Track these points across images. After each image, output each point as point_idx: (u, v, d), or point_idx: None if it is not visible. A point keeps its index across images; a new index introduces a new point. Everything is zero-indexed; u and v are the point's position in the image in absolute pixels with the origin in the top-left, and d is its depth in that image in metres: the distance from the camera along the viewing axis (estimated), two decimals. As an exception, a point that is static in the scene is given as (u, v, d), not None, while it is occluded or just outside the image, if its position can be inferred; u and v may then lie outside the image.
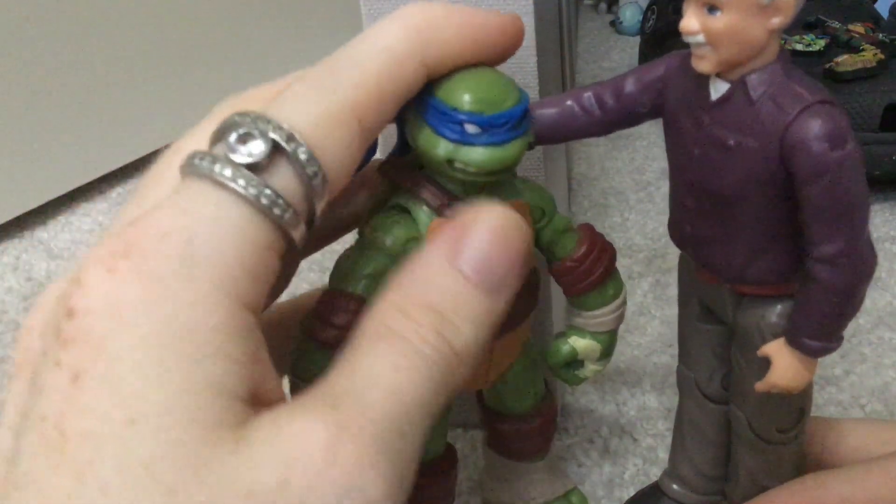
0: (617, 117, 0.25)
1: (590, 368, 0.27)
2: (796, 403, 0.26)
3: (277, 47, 0.68)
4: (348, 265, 0.22)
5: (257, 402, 0.17)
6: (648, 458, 0.35)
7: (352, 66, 0.19)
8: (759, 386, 0.24)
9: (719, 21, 0.20)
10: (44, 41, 0.55)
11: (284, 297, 0.26)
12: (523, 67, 0.29)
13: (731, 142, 0.22)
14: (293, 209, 0.18)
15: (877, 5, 0.66)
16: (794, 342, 0.23)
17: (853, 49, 0.54)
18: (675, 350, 0.29)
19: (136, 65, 0.60)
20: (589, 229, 0.25)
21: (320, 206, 0.19)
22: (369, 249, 0.22)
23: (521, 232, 0.20)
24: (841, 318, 0.22)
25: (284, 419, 0.16)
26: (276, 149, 0.18)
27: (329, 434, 0.16)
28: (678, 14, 0.21)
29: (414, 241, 0.22)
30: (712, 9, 0.20)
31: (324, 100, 0.19)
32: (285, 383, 0.21)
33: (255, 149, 0.17)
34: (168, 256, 0.16)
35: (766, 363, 0.24)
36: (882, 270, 0.46)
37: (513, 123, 0.21)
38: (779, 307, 0.24)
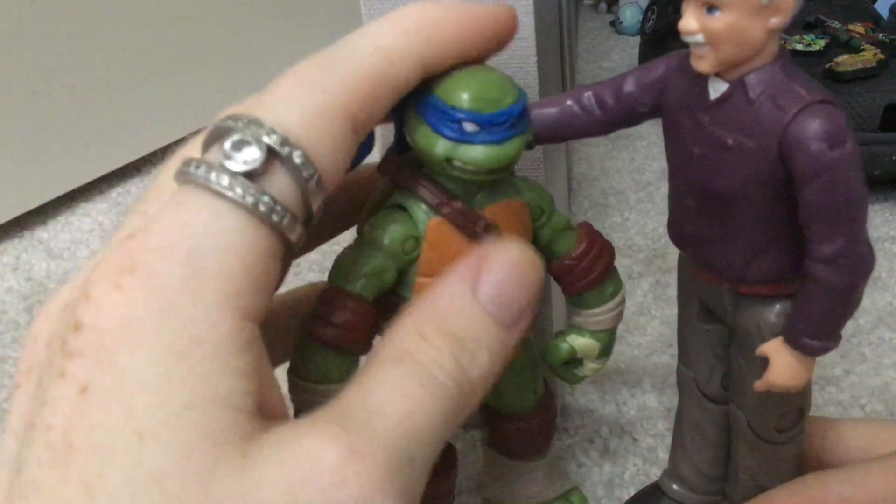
0: (617, 117, 0.25)
1: (589, 367, 0.27)
2: (795, 403, 0.26)
3: (277, 47, 0.68)
4: (347, 263, 0.22)
5: (262, 414, 0.17)
6: (648, 458, 0.35)
7: (345, 65, 0.19)
8: (758, 385, 0.24)
9: (718, 21, 0.20)
10: (44, 41, 0.55)
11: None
12: (523, 67, 0.29)
13: (731, 141, 0.22)
14: (291, 213, 0.18)
15: (877, 5, 0.66)
16: (793, 341, 0.23)
17: (853, 49, 0.54)
18: (675, 350, 0.29)
19: (136, 65, 0.60)
20: (587, 228, 0.25)
21: (316, 206, 0.19)
22: (368, 248, 0.22)
23: (538, 270, 0.21)
24: (839, 318, 0.22)
25: (293, 437, 0.17)
26: (270, 153, 0.18)
27: (339, 455, 0.16)
28: (678, 14, 0.21)
29: (412, 240, 0.22)
30: (711, 8, 0.20)
31: (316, 99, 0.19)
32: (285, 385, 0.21)
33: (251, 156, 0.17)
34: (173, 272, 0.16)
35: (765, 362, 0.24)
36: (882, 270, 0.46)
37: (511, 122, 0.21)
38: (778, 306, 0.24)
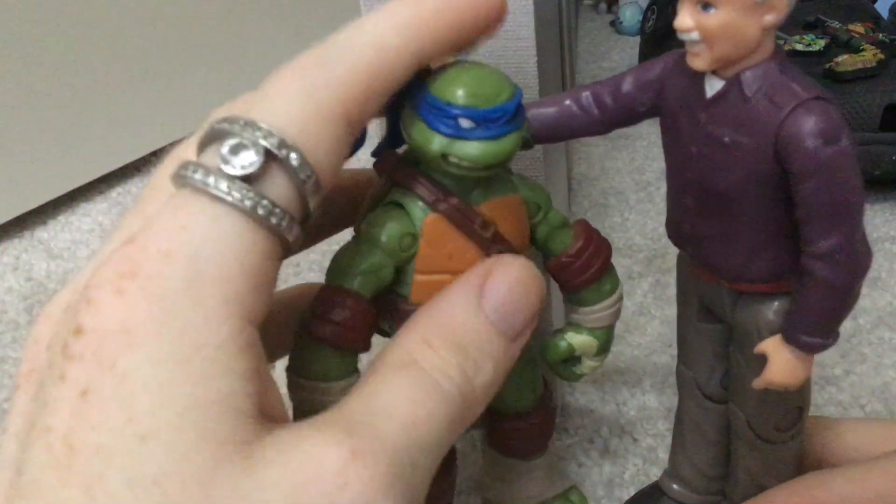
0: (615, 117, 0.25)
1: (587, 365, 0.27)
2: (795, 402, 0.26)
3: (277, 47, 0.68)
4: (344, 261, 0.22)
5: (261, 417, 0.17)
6: (648, 458, 0.35)
7: (340, 62, 0.19)
8: (757, 383, 0.24)
9: (713, 18, 0.20)
10: (44, 41, 0.55)
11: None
12: (523, 67, 0.29)
13: (727, 139, 0.22)
14: (289, 215, 0.18)
15: (877, 5, 0.66)
16: (791, 339, 0.23)
17: (853, 49, 0.54)
18: (675, 350, 0.29)
19: (136, 65, 0.60)
20: (584, 225, 0.25)
21: (313, 206, 0.19)
22: (365, 245, 0.22)
23: (541, 283, 0.21)
24: (837, 315, 0.22)
25: (296, 439, 0.17)
26: (268, 156, 0.18)
27: (342, 458, 0.16)
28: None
29: (409, 237, 0.22)
30: (706, 6, 0.20)
31: (312, 98, 0.18)
32: (284, 384, 0.21)
33: (248, 160, 0.17)
34: (173, 276, 0.16)
35: (764, 361, 0.24)
36: (882, 270, 0.46)
37: (507, 118, 0.21)
38: (776, 304, 0.24)
